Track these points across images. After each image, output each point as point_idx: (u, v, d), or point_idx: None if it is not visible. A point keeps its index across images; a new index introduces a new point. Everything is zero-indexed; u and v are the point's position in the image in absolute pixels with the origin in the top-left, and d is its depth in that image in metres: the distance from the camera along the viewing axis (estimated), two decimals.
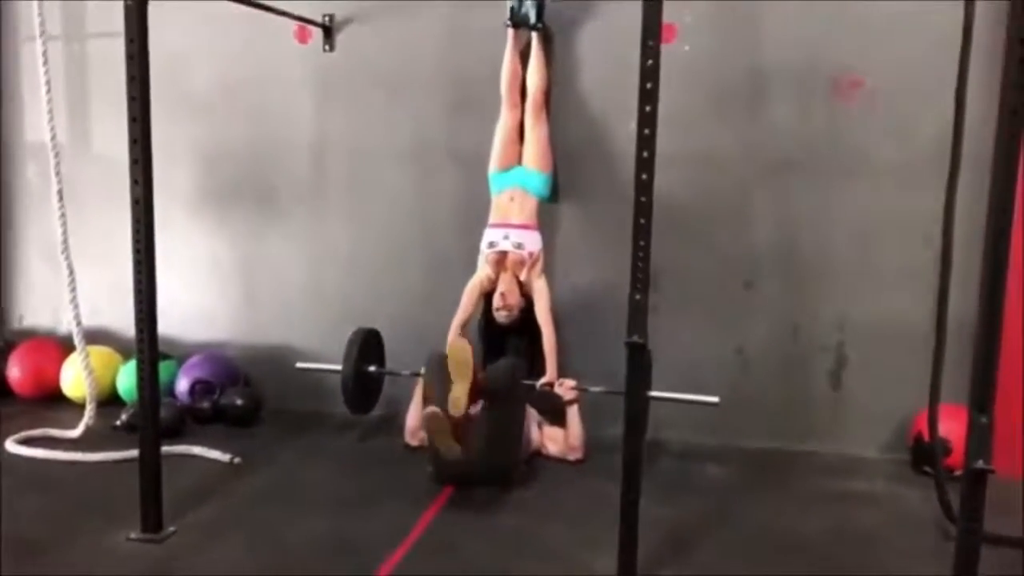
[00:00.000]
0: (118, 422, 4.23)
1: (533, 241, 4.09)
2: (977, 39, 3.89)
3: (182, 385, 4.53)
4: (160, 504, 3.14)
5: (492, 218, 4.16)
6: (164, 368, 4.53)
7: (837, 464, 4.08)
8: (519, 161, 4.21)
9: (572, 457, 3.98)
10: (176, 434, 4.15)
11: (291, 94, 4.56)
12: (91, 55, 4.89)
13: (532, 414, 4.02)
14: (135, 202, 2.92)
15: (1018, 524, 3.29)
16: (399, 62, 4.44)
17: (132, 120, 2.87)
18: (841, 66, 4.04)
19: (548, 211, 4.31)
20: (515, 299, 4.06)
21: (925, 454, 3.91)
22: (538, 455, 4.00)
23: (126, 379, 4.55)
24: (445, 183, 4.46)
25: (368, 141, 4.51)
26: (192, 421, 4.38)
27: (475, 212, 4.34)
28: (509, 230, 4.09)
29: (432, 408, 3.34)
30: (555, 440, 4.02)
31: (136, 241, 2.94)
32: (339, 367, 4.09)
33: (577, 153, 4.32)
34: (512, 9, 4.17)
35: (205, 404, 4.39)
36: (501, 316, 4.08)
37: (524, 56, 4.24)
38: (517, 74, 4.20)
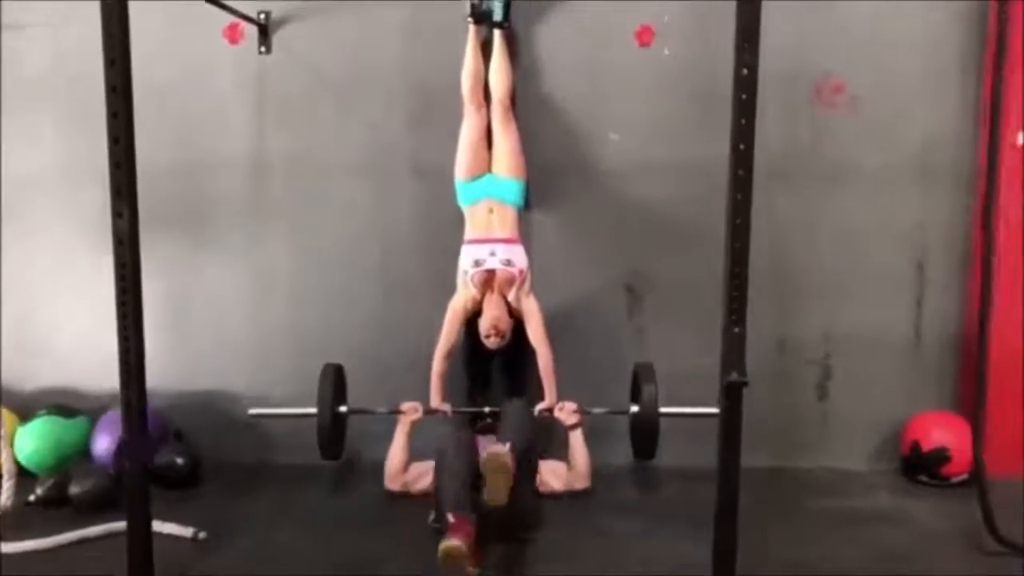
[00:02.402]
0: (32, 497, 3.53)
1: (520, 256, 3.73)
2: (958, 52, 3.96)
3: (101, 446, 3.84)
4: None
5: (471, 233, 3.76)
6: (73, 427, 3.96)
7: (831, 480, 3.99)
8: (489, 168, 3.83)
9: (579, 486, 3.67)
10: (109, 506, 3.51)
11: (220, 102, 3.98)
12: None
13: None
14: (118, 241, 2.35)
15: None
16: (348, 65, 3.96)
17: (114, 141, 2.31)
18: (823, 71, 3.94)
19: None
20: (507, 323, 3.70)
21: (923, 463, 3.89)
22: (538, 495, 3.65)
23: (30, 444, 3.82)
24: (405, 200, 4.02)
25: (314, 154, 4.00)
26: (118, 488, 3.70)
27: (440, 231, 3.96)
28: (495, 245, 3.70)
29: (454, 543, 2.81)
30: (557, 473, 3.71)
31: (121, 290, 2.38)
32: (306, 411, 3.58)
33: (547, 158, 3.97)
34: (472, 4, 3.79)
35: None
36: (492, 343, 3.70)
37: (485, 55, 3.85)
38: (480, 74, 3.81)
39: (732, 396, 2.44)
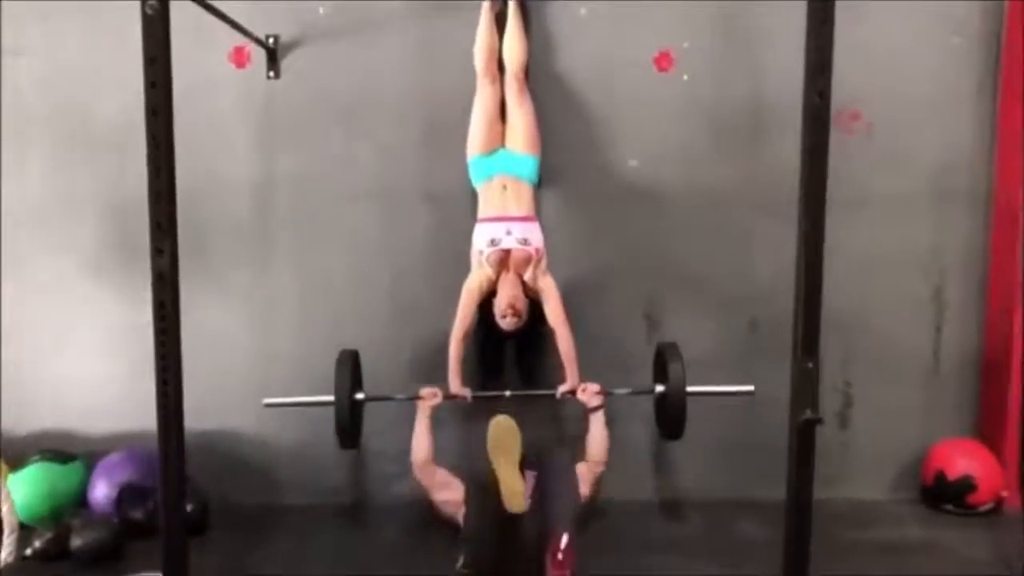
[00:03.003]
0: (29, 551, 3.29)
1: (537, 235, 3.58)
2: (974, 76, 3.97)
3: (99, 493, 3.62)
4: None
5: (485, 211, 3.61)
6: (68, 473, 3.73)
7: (856, 511, 3.92)
8: (503, 143, 3.69)
9: (598, 470, 3.49)
10: (112, 558, 3.30)
11: (226, 128, 3.80)
12: None
13: None
14: (159, 278, 2.18)
15: None
16: (358, 89, 3.81)
17: (155, 173, 2.14)
18: (841, 98, 3.90)
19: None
20: (523, 303, 3.55)
21: (948, 492, 3.84)
22: None
23: (22, 491, 3.56)
24: (416, 226, 3.88)
25: (322, 181, 3.84)
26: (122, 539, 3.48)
27: (452, 259, 3.81)
28: (511, 224, 3.55)
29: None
30: (584, 479, 3.48)
31: (161, 331, 2.21)
32: (323, 398, 3.42)
33: (557, 134, 3.82)
34: None
35: (138, 514, 3.52)
36: (508, 323, 3.54)
37: (499, 28, 3.71)
38: (494, 47, 3.67)
39: (805, 434, 2.34)
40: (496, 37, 3.68)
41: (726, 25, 3.85)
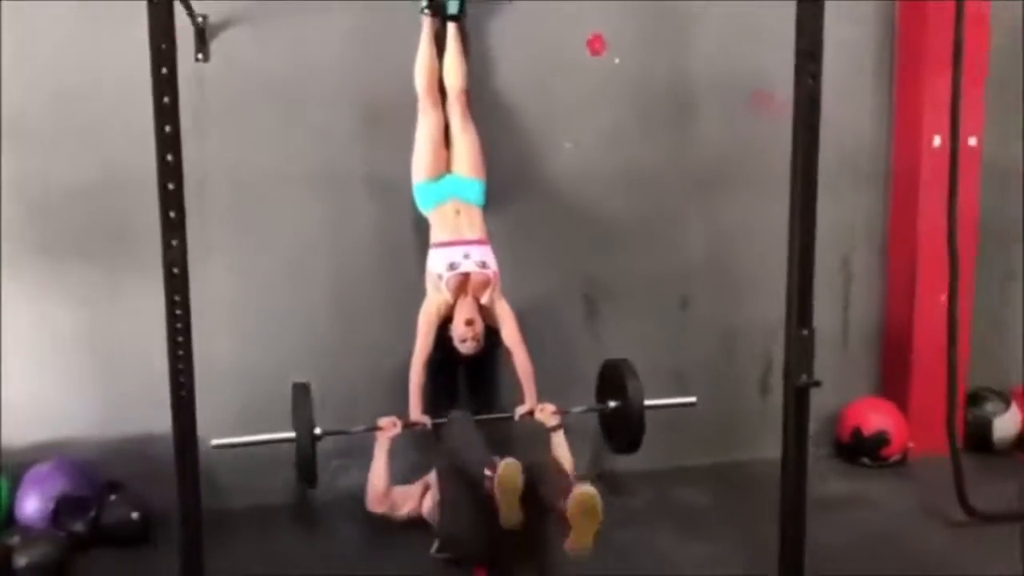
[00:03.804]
0: None
1: (492, 258, 3.61)
2: (871, 59, 4.28)
3: (30, 507, 3.35)
4: None
5: (439, 235, 3.60)
6: None
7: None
8: (448, 168, 3.71)
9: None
10: (61, 574, 3.09)
11: (150, 114, 3.55)
12: None
13: None
14: (171, 272, 2.05)
15: None
16: (295, 72, 3.67)
17: (163, 161, 2.01)
18: (758, 80, 4.12)
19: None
20: (481, 326, 3.56)
21: (865, 447, 4.15)
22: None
23: None
24: (359, 215, 3.79)
25: (259, 169, 3.69)
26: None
27: (398, 248, 3.80)
28: (468, 247, 3.56)
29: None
30: None
31: (174, 327, 2.07)
32: (281, 436, 3.33)
33: (500, 157, 3.83)
34: None
35: (79, 526, 3.30)
36: (468, 347, 3.54)
37: (438, 49, 3.71)
38: (435, 69, 3.66)
39: (801, 398, 2.50)
40: (436, 58, 3.67)
41: (656, 9, 3.97)
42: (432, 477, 3.50)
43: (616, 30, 3.95)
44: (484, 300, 3.58)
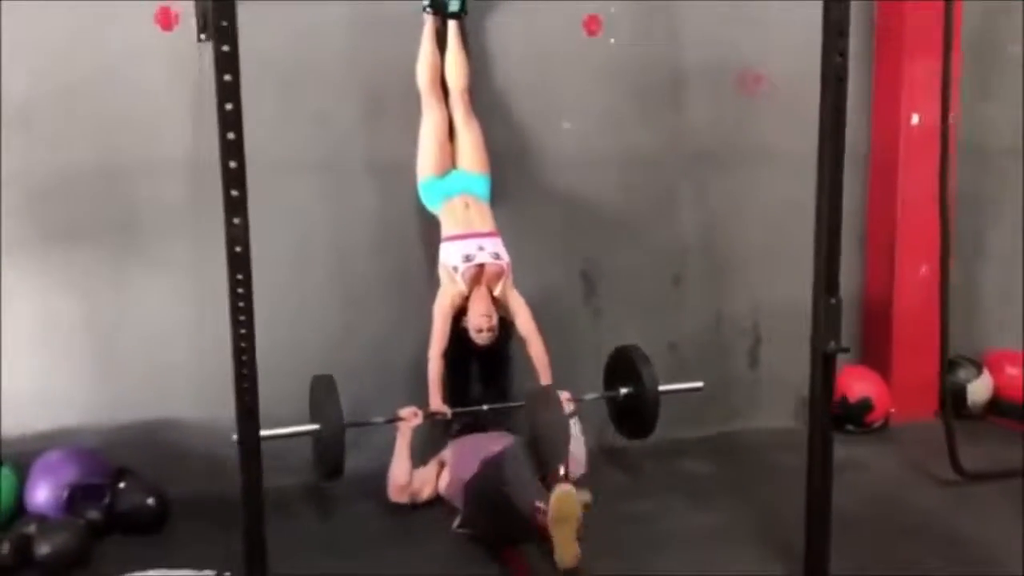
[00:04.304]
0: None
1: (503, 250, 3.67)
2: (852, 42, 4.40)
3: (40, 496, 3.30)
4: None
5: (452, 229, 3.64)
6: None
7: (772, 438, 4.30)
8: (454, 164, 3.75)
9: (579, 474, 3.63)
10: (81, 564, 3.05)
11: (154, 97, 3.53)
12: None
13: None
14: (234, 251, 2.06)
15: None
16: (297, 54, 3.67)
17: (226, 138, 2.02)
18: (744, 61, 4.24)
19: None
20: (496, 317, 3.62)
21: (850, 414, 4.32)
22: None
23: None
24: (362, 200, 3.80)
25: (261, 153, 3.49)
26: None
27: (402, 232, 3.84)
28: (482, 240, 3.62)
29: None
30: None
31: (238, 307, 2.08)
32: (309, 427, 3.37)
33: (503, 152, 3.90)
34: None
35: (94, 514, 3.26)
36: (484, 338, 3.60)
37: (440, 48, 3.75)
38: (437, 66, 3.71)
39: (828, 365, 2.62)
40: (438, 56, 3.71)
41: None
42: (446, 454, 3.56)
43: (613, 9, 4.02)
44: (497, 291, 3.64)
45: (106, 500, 3.30)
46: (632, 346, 3.76)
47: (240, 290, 2.09)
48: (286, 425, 3.32)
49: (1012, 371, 4.53)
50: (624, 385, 3.76)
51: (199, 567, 2.98)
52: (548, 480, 2.91)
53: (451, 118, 3.74)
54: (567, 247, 4.11)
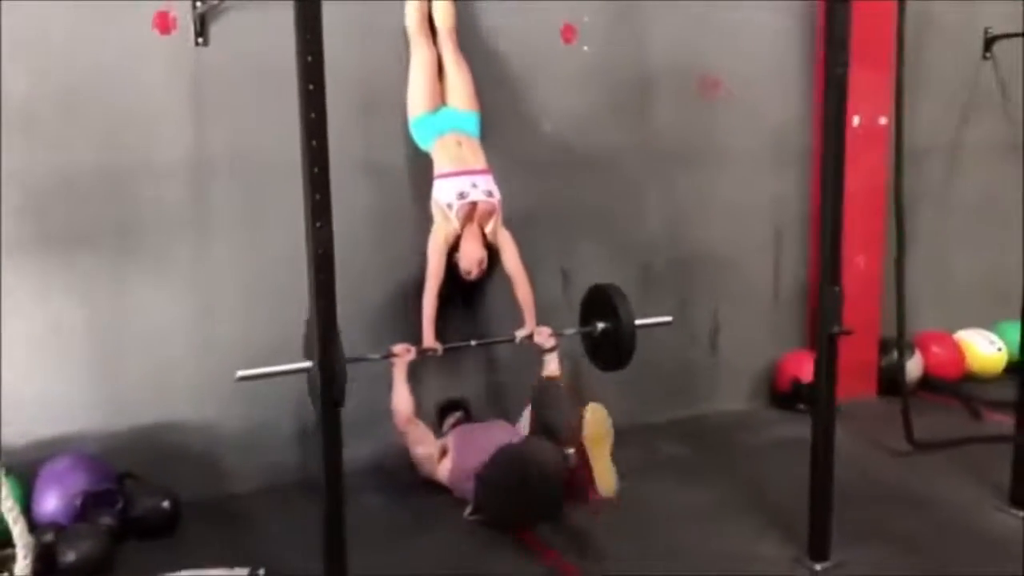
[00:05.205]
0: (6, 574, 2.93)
1: (496, 188, 3.79)
2: (798, 50, 4.76)
3: (50, 504, 3.26)
4: None
5: (445, 166, 3.73)
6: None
7: (731, 420, 4.65)
8: (444, 101, 3.85)
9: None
10: (105, 570, 3.06)
11: (152, 100, 3.50)
12: None
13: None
14: (318, 254, 2.15)
15: None
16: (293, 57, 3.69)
17: (310, 143, 2.11)
18: (703, 66, 4.51)
19: None
20: (485, 254, 3.78)
21: (802, 394, 4.65)
22: None
23: None
24: (358, 199, 3.86)
25: (260, 155, 3.68)
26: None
27: (397, 231, 3.93)
28: (475, 177, 3.72)
29: None
30: None
31: (320, 307, 2.16)
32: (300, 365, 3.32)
33: (489, 91, 3.99)
34: None
35: (109, 520, 3.24)
36: (474, 275, 3.78)
37: None
38: (424, 8, 3.80)
39: (832, 345, 2.90)
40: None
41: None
42: (449, 440, 3.68)
43: (586, 19, 4.22)
44: (488, 229, 3.77)
45: (119, 505, 3.29)
46: (608, 284, 3.86)
47: (323, 301, 2.16)
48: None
49: (938, 350, 4.99)
50: (601, 320, 3.86)
51: (220, 567, 3.03)
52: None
53: (440, 57, 3.84)
54: (544, 240, 4.26)
